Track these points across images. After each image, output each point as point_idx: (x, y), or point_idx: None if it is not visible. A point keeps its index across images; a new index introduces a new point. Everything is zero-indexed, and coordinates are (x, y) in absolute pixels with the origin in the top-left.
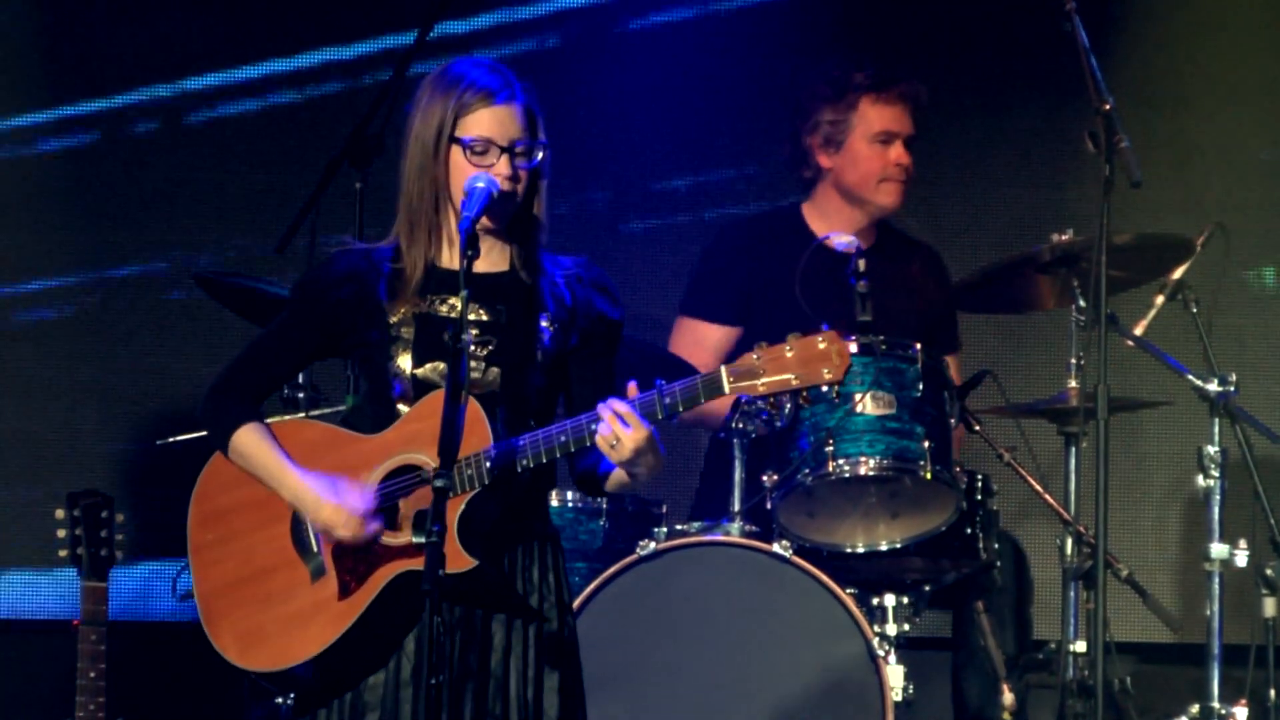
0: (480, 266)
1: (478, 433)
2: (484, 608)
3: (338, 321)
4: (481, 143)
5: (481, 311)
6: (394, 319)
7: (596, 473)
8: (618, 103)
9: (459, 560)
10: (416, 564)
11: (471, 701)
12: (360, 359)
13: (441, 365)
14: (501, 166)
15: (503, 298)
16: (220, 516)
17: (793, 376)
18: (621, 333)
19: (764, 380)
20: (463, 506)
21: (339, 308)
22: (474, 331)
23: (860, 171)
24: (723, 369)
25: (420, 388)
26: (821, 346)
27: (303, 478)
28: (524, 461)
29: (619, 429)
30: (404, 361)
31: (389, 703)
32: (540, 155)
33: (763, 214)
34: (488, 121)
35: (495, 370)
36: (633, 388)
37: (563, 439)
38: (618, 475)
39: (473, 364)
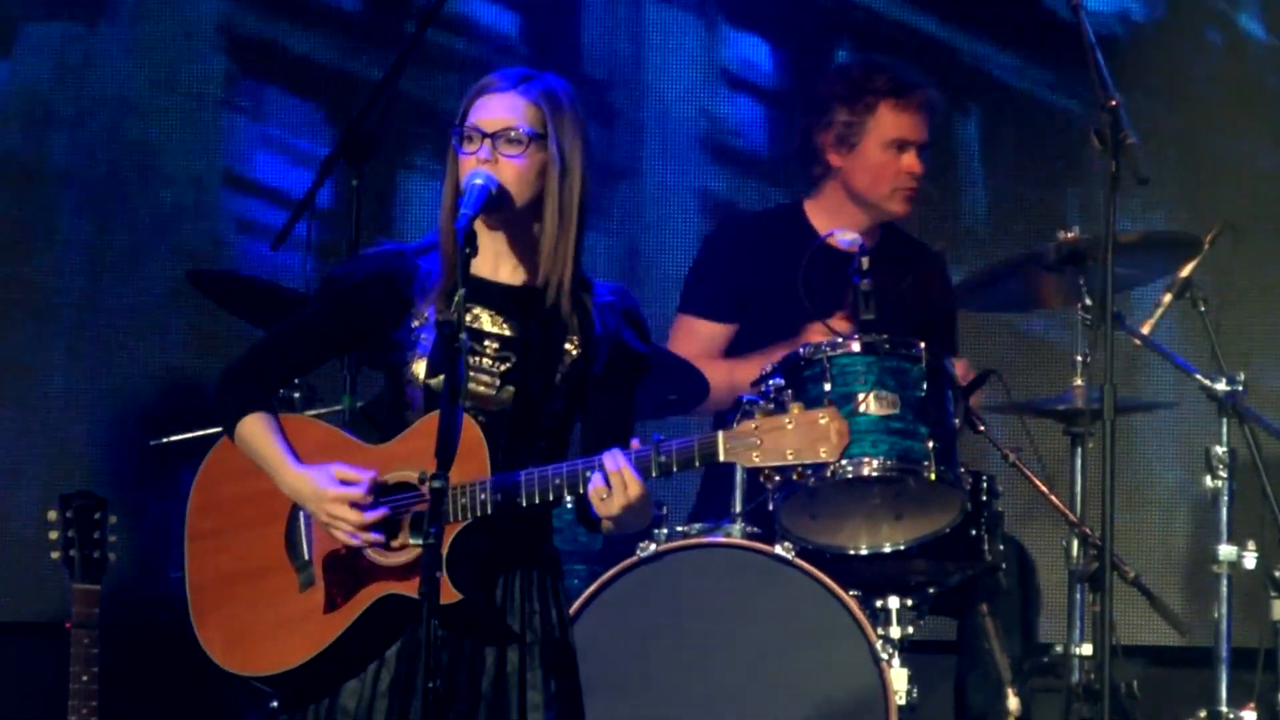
0: (508, 277)
1: (477, 459)
2: (476, 632)
3: (364, 321)
4: (469, 129)
5: (505, 326)
6: (416, 323)
7: (590, 515)
8: (622, 98)
9: (444, 593)
10: (403, 588)
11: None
12: (381, 358)
13: None
14: (481, 153)
15: (528, 313)
16: (220, 506)
17: (789, 452)
18: (647, 367)
19: (759, 452)
20: (452, 537)
21: (367, 307)
22: (494, 346)
23: (871, 176)
24: (720, 435)
25: (432, 398)
26: (822, 422)
27: (299, 470)
28: (519, 499)
29: (616, 486)
30: (419, 369)
31: (363, 711)
32: (534, 148)
33: (763, 212)
34: (478, 109)
35: (510, 389)
36: (635, 442)
37: (557, 482)
38: (607, 522)
39: (486, 379)
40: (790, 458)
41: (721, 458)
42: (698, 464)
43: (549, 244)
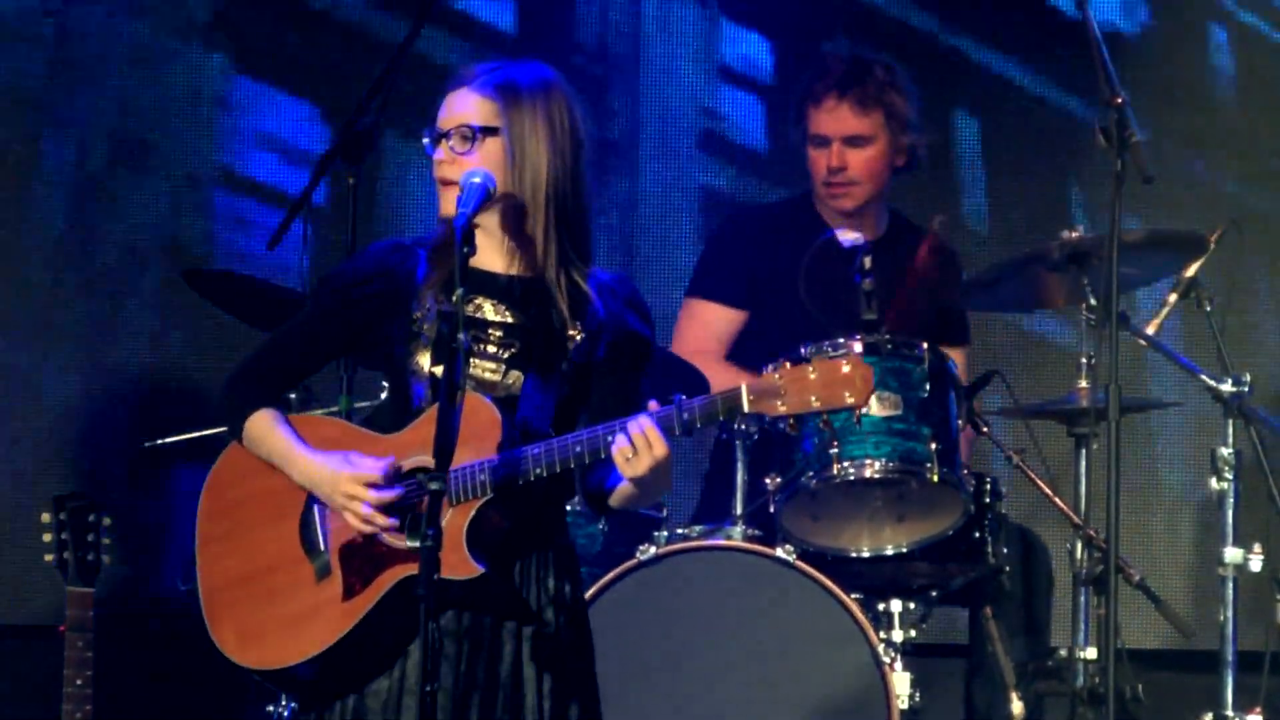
0: (506, 268)
1: (490, 438)
2: (492, 616)
3: (364, 317)
4: (434, 131)
5: (508, 314)
6: (418, 315)
7: (604, 487)
8: (627, 99)
9: (465, 568)
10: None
11: (478, 711)
12: (383, 356)
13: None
14: (438, 153)
15: (529, 302)
16: (230, 510)
17: (814, 398)
18: (651, 353)
19: (785, 401)
20: (472, 513)
21: (366, 303)
22: (498, 334)
23: (811, 176)
24: (743, 387)
25: (439, 388)
26: (845, 370)
27: (313, 456)
28: (536, 470)
29: (641, 446)
30: (424, 360)
31: (390, 710)
32: (487, 141)
33: (774, 203)
34: (441, 109)
35: (517, 374)
36: (653, 404)
37: (577, 449)
38: (623, 490)
39: (492, 366)
40: (816, 404)
41: (746, 409)
42: (722, 418)
43: (557, 235)
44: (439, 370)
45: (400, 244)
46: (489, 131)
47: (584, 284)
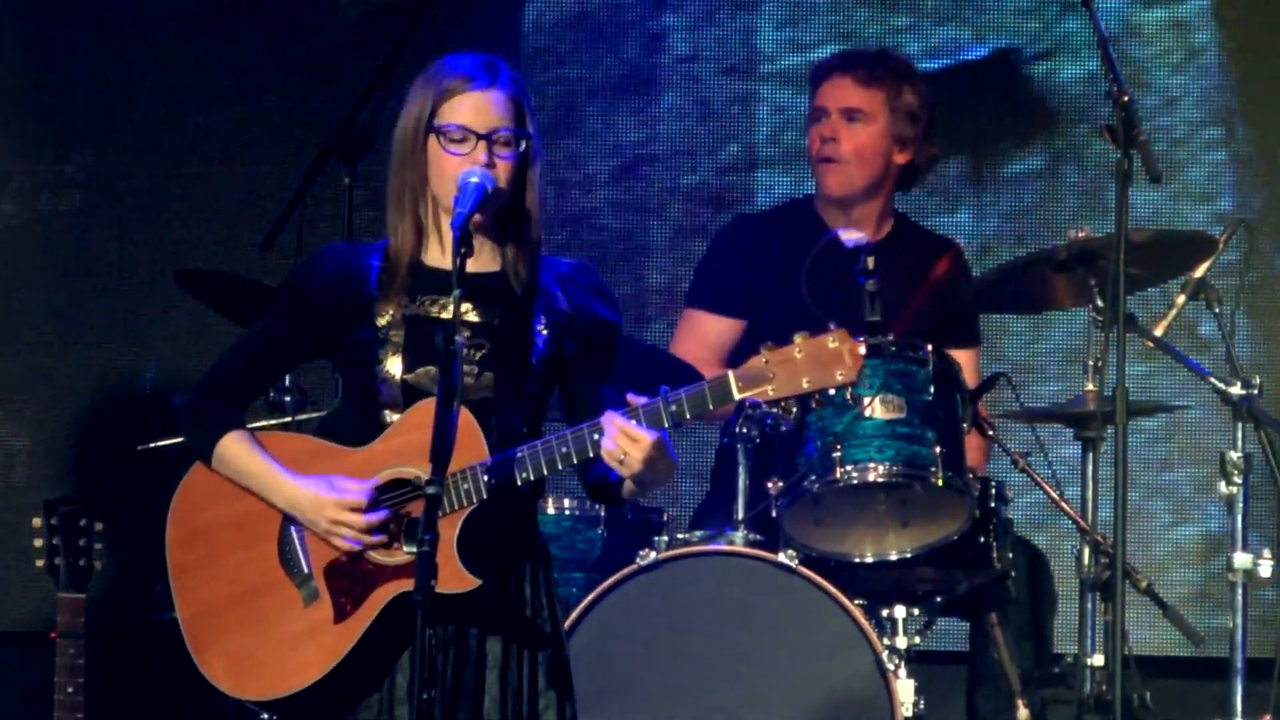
0: (472, 266)
1: (472, 444)
2: (480, 626)
3: (326, 323)
4: (459, 130)
5: (474, 313)
6: (382, 321)
7: (610, 480)
8: (621, 95)
9: (461, 580)
10: (412, 584)
11: (464, 716)
12: (345, 361)
13: (434, 370)
14: (479, 155)
15: (496, 299)
16: (201, 536)
17: (804, 380)
18: (619, 336)
19: (774, 385)
20: (460, 523)
21: (327, 309)
22: (465, 334)
23: (809, 156)
24: (730, 374)
25: (410, 394)
26: (832, 346)
27: (295, 481)
28: (523, 475)
29: (624, 444)
30: (393, 366)
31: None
32: (524, 146)
33: (774, 208)
34: (466, 108)
35: (489, 375)
36: (632, 397)
37: (564, 450)
38: (629, 483)
39: (465, 368)
40: (806, 385)
41: (736, 396)
42: (710, 407)
43: (521, 231)
44: (411, 377)
45: (354, 248)
46: (525, 134)
47: (547, 276)
